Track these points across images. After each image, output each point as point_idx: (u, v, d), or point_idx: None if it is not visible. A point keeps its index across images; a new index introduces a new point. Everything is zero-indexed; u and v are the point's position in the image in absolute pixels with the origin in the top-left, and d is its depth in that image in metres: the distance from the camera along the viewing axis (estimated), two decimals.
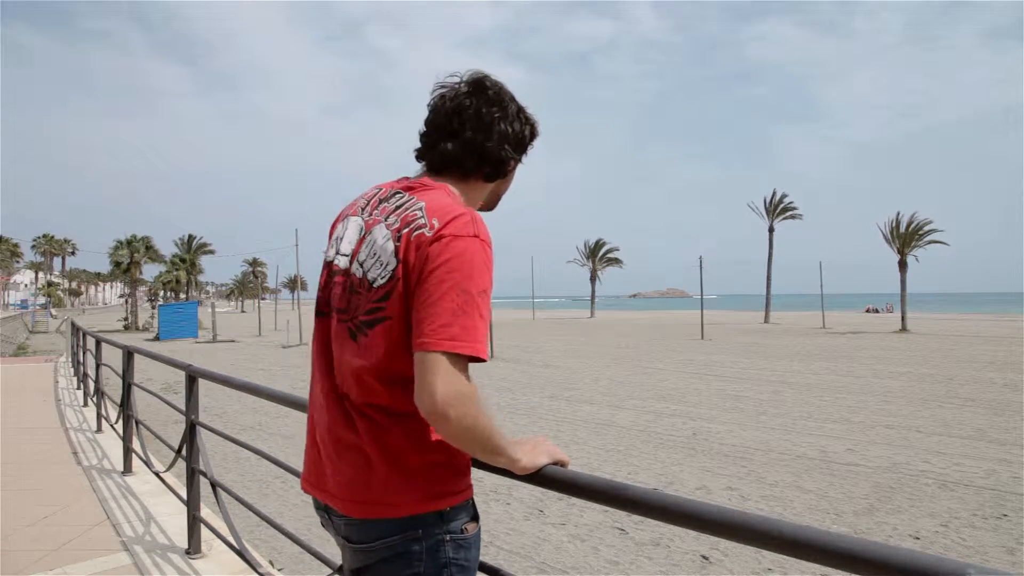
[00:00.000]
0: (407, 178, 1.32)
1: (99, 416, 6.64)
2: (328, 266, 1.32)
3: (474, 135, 1.28)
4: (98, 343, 6.75)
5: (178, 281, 48.47)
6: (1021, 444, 8.20)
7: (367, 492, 1.18)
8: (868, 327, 36.25)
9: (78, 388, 9.41)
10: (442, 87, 1.32)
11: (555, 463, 1.28)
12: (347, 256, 1.27)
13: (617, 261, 61.67)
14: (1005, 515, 5.68)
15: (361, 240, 1.25)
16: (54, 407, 8.18)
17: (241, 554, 2.86)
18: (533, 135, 1.39)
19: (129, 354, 5.09)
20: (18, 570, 3.18)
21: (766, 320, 44.74)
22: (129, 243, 42.87)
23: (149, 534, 3.71)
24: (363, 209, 1.30)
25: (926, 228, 33.95)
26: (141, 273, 45.08)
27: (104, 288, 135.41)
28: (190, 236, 52.34)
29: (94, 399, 7.08)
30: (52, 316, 56.46)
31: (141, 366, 5.79)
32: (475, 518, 1.25)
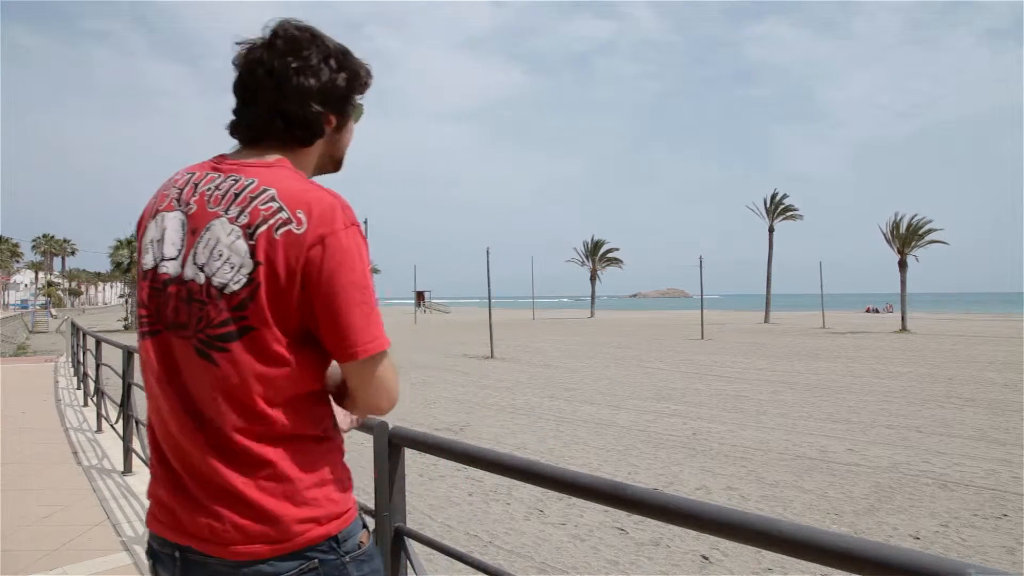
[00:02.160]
0: (223, 156, 1.14)
1: (99, 416, 6.64)
2: (151, 275, 1.09)
3: (269, 95, 1.10)
4: (98, 343, 6.75)
5: None
6: (1021, 444, 8.20)
7: (248, 528, 1.03)
8: (868, 327, 36.26)
9: (78, 388, 9.41)
10: (237, 44, 1.13)
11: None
12: (175, 260, 1.07)
13: (617, 261, 61.68)
14: (1005, 515, 5.68)
15: (191, 239, 1.06)
16: (54, 407, 8.18)
17: None
18: (354, 80, 1.18)
19: (129, 354, 5.09)
20: (18, 570, 3.18)
21: (766, 320, 44.74)
22: (129, 243, 42.80)
23: None
24: (178, 200, 1.10)
25: (926, 228, 33.96)
26: None
27: (104, 288, 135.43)
28: None
29: (94, 399, 7.08)
30: (52, 316, 56.48)
31: None
32: (365, 525, 1.19)
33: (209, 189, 1.08)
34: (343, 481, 1.14)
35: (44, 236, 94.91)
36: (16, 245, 78.43)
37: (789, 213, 45.86)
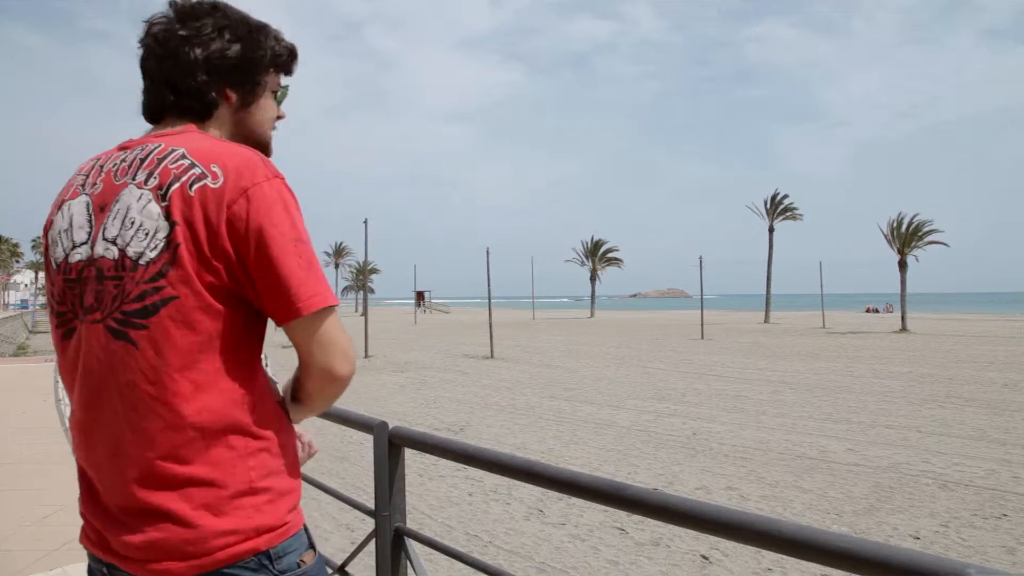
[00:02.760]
0: (130, 139, 1.07)
1: None
2: (63, 266, 1.01)
3: (158, 64, 1.03)
4: None
5: None
6: (1021, 444, 8.20)
7: (162, 543, 0.92)
8: (868, 327, 36.26)
9: None
10: (143, 21, 1.07)
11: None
12: (86, 244, 0.98)
13: (617, 261, 61.69)
14: (1005, 515, 5.68)
15: (100, 217, 0.98)
16: (54, 407, 8.18)
17: None
18: (251, 55, 1.08)
19: None
20: (18, 570, 3.18)
21: (766, 320, 44.74)
22: None
23: None
24: (84, 186, 1.03)
25: (926, 228, 33.99)
26: None
27: None
28: None
29: None
30: None
31: None
32: (311, 545, 1.04)
33: (115, 165, 1.01)
34: (281, 490, 0.99)
35: None
36: (16, 245, 78.45)
37: (789, 213, 45.88)
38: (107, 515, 0.99)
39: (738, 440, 8.56)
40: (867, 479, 6.77)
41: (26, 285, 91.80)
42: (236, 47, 1.06)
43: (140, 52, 1.06)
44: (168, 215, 0.92)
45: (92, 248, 0.97)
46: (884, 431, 9.03)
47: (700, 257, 34.72)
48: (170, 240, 0.91)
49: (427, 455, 1.51)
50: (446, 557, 1.62)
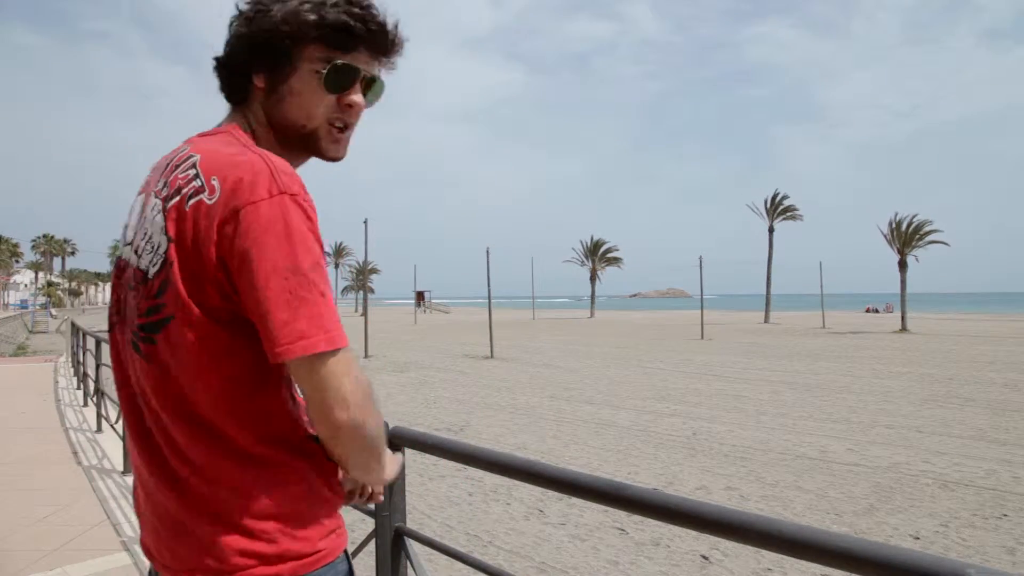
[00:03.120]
0: (201, 133, 1.02)
1: (99, 416, 6.64)
2: (118, 263, 1.00)
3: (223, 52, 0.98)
4: (98, 343, 6.75)
5: None
6: (1021, 444, 8.20)
7: (195, 557, 0.90)
8: (868, 327, 36.25)
9: (78, 388, 9.40)
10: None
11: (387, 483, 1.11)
12: (130, 245, 0.96)
13: (617, 261, 61.69)
14: (1005, 515, 5.68)
15: (139, 220, 0.96)
16: (54, 407, 8.18)
17: None
18: (284, 26, 0.92)
19: None
20: (18, 570, 3.18)
21: (766, 320, 44.74)
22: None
23: None
24: (148, 183, 0.99)
25: (926, 228, 33.99)
26: None
27: (104, 288, 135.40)
28: None
29: (94, 399, 7.07)
30: (52, 316, 56.46)
31: None
32: (349, 572, 0.99)
33: (167, 164, 0.96)
34: (309, 517, 0.92)
35: (44, 236, 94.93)
36: (16, 245, 78.46)
37: (789, 213, 45.88)
38: (148, 520, 0.98)
39: (738, 440, 8.56)
40: (867, 479, 6.76)
41: (26, 285, 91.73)
42: (267, 21, 0.92)
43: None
44: (166, 230, 0.87)
45: (130, 252, 0.95)
46: (884, 431, 9.03)
47: (700, 257, 34.73)
48: (166, 257, 0.86)
49: (427, 455, 1.51)
50: (446, 557, 1.62)
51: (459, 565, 1.54)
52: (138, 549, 3.46)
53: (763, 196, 49.96)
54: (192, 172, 0.88)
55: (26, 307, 66.13)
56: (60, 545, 3.50)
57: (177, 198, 0.87)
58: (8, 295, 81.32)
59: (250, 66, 0.96)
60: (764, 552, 4.57)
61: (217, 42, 1.01)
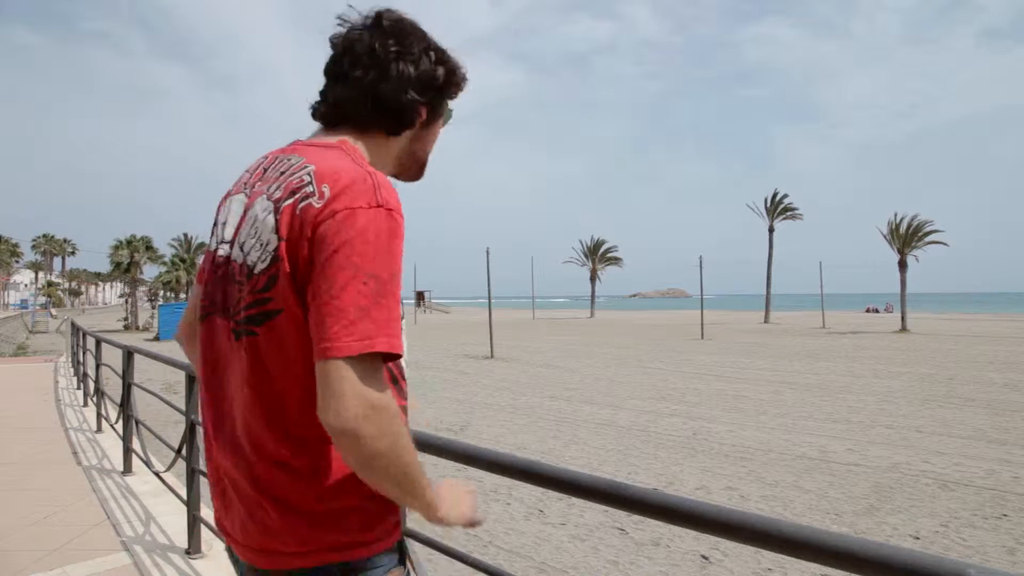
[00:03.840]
0: (299, 140, 1.11)
1: (99, 416, 6.64)
2: (211, 257, 1.09)
3: (364, 75, 1.05)
4: (98, 343, 6.75)
5: (178, 281, 48.43)
6: (1021, 444, 8.20)
7: (262, 537, 0.97)
8: (868, 327, 36.25)
9: (78, 388, 9.41)
10: (339, 23, 1.10)
11: (468, 524, 1.09)
12: (229, 242, 1.05)
13: (617, 261, 61.68)
14: (1005, 515, 5.68)
15: (243, 219, 1.03)
16: (54, 407, 8.18)
17: None
18: (451, 78, 1.13)
19: (129, 354, 5.09)
20: (18, 570, 3.18)
21: (766, 320, 44.73)
22: (129, 243, 42.88)
23: (149, 534, 3.71)
24: (247, 184, 1.08)
25: (926, 228, 33.97)
26: (141, 273, 45.11)
27: (104, 288, 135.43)
28: (186, 235, 52.37)
29: (94, 399, 7.08)
30: (52, 316, 56.49)
31: (141, 366, 5.79)
32: (401, 561, 1.05)
33: (271, 169, 1.05)
34: (366, 508, 0.99)
35: (44, 236, 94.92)
36: (16, 245, 78.44)
37: (789, 213, 45.86)
38: (221, 498, 1.05)
39: (738, 440, 8.56)
40: (867, 479, 6.76)
41: (26, 285, 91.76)
42: (441, 70, 1.11)
43: (334, 52, 1.09)
44: (277, 229, 0.94)
45: (231, 248, 1.03)
46: (884, 431, 9.03)
47: (700, 257, 34.73)
48: (276, 254, 0.93)
49: (427, 455, 1.51)
50: (446, 557, 1.62)
51: (459, 565, 1.54)
52: (138, 549, 3.46)
53: (763, 196, 49.96)
54: (307, 179, 0.95)
55: (26, 307, 66.15)
56: (60, 545, 3.50)
57: (290, 200, 0.95)
58: (8, 295, 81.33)
59: (427, 99, 1.11)
60: (764, 552, 4.57)
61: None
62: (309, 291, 0.90)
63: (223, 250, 1.05)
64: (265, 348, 0.95)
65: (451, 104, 1.18)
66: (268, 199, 0.99)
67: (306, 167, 0.98)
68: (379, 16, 1.08)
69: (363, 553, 0.98)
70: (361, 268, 0.88)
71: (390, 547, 1.02)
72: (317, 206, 0.91)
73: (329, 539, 0.96)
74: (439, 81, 1.11)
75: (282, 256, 0.93)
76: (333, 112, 1.09)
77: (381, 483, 0.93)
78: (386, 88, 1.06)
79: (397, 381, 1.06)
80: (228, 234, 1.06)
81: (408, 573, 1.07)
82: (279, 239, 0.93)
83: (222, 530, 1.07)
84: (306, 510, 0.96)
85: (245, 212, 1.03)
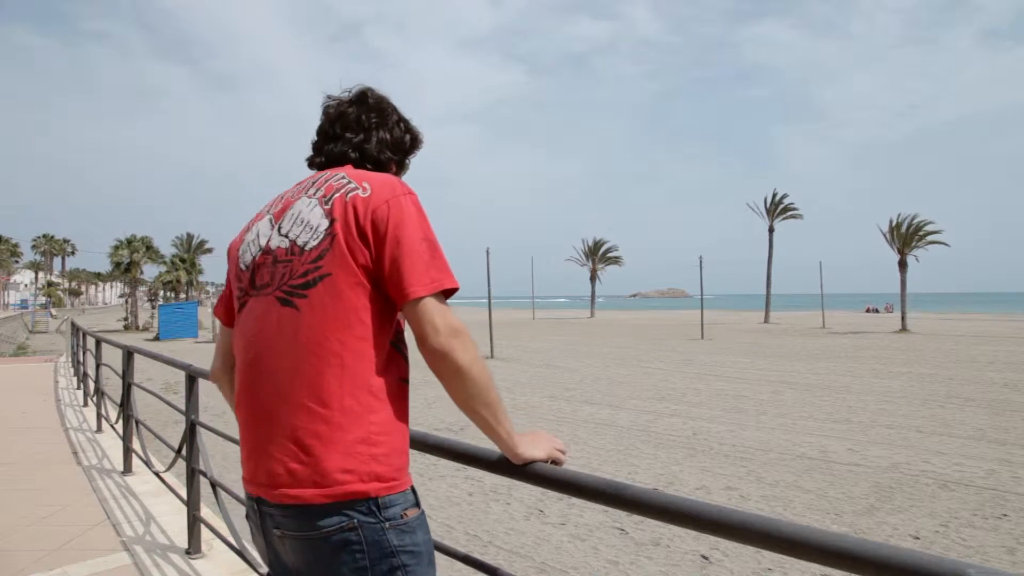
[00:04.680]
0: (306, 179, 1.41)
1: (99, 416, 6.64)
2: (249, 266, 1.32)
3: (354, 136, 1.40)
4: (98, 343, 6.75)
5: (178, 281, 48.45)
6: (1021, 444, 8.20)
7: (297, 472, 1.15)
8: (868, 327, 36.24)
9: (78, 388, 9.41)
10: (329, 98, 1.45)
11: (550, 460, 1.30)
12: (261, 248, 1.30)
13: (617, 260, 61.67)
14: (1005, 515, 5.68)
15: (277, 221, 1.31)
16: (54, 407, 8.18)
17: (241, 554, 2.86)
18: (414, 143, 1.51)
19: (129, 354, 5.09)
20: (18, 570, 3.18)
21: (766, 320, 44.72)
22: (129, 243, 42.86)
23: (149, 534, 3.71)
24: (268, 210, 1.38)
25: (926, 228, 33.96)
26: (141, 273, 45.09)
27: (104, 288, 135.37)
28: (189, 235, 52.38)
29: (94, 399, 7.08)
30: (52, 316, 56.48)
31: (141, 366, 5.79)
32: (416, 503, 1.23)
33: (293, 191, 1.36)
34: (394, 449, 1.19)
35: (44, 236, 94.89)
36: (16, 245, 78.38)
37: (789, 213, 45.84)
38: (259, 452, 1.21)
39: (738, 440, 8.56)
40: (867, 479, 6.76)
41: (26, 285, 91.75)
42: (408, 136, 1.49)
43: (327, 119, 1.44)
44: (329, 215, 1.21)
45: (269, 243, 1.29)
46: (884, 431, 9.03)
47: (700, 257, 34.71)
48: (329, 230, 1.20)
49: (427, 455, 1.51)
50: (446, 557, 1.62)
51: (459, 565, 1.54)
52: (138, 549, 3.46)
53: (763, 196, 49.90)
54: (345, 180, 1.27)
55: (26, 307, 66.15)
56: (60, 545, 3.50)
57: (338, 194, 1.24)
58: (8, 295, 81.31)
59: (394, 158, 1.47)
60: (764, 552, 4.57)
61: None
62: (385, 256, 1.18)
63: (257, 250, 1.31)
64: (317, 304, 1.19)
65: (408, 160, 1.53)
66: (310, 198, 1.27)
67: (337, 174, 1.29)
68: (363, 94, 1.44)
69: (382, 491, 1.16)
70: (417, 236, 1.20)
71: (405, 489, 1.20)
72: (364, 196, 1.22)
73: (353, 475, 1.14)
74: (406, 145, 1.48)
75: (336, 231, 1.20)
76: (327, 161, 1.41)
77: (473, 401, 1.20)
78: (369, 148, 1.41)
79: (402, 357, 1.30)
80: (263, 241, 1.31)
81: (421, 514, 1.23)
82: (332, 220, 1.21)
83: (249, 485, 1.24)
84: (335, 446, 1.14)
85: (281, 216, 1.30)
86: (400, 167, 1.50)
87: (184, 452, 3.50)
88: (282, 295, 1.22)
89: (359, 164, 1.39)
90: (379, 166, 1.41)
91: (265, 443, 1.20)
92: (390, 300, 1.22)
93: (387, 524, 1.15)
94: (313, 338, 1.18)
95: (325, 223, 1.21)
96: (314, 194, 1.27)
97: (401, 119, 1.48)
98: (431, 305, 1.17)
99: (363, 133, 1.41)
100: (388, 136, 1.44)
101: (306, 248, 1.22)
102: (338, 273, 1.18)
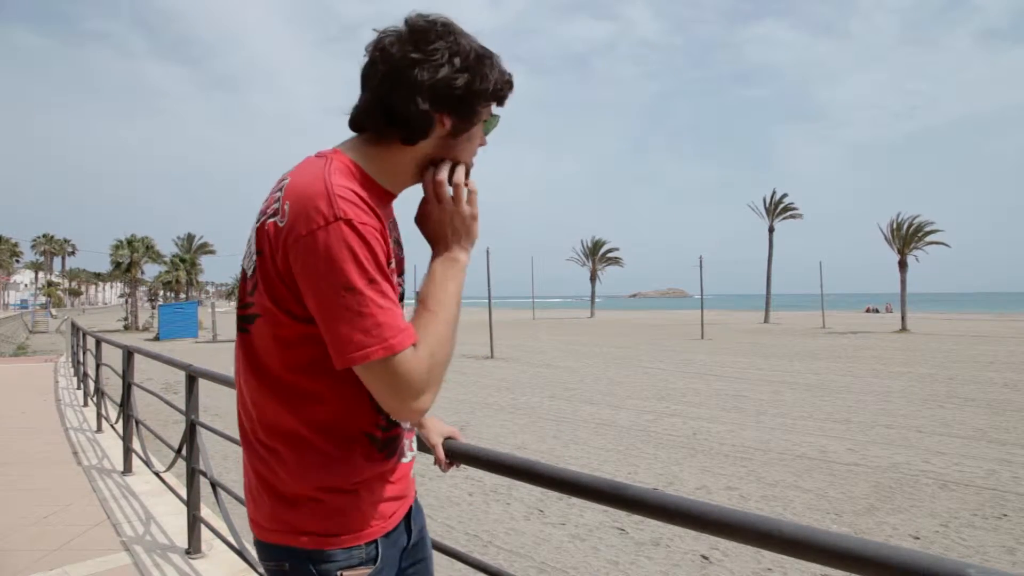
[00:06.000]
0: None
1: (99, 416, 6.64)
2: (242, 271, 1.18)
3: (381, 83, 1.02)
4: (98, 343, 6.75)
5: (178, 281, 48.45)
6: (1021, 444, 8.20)
7: (255, 512, 1.11)
8: (868, 327, 36.24)
9: (78, 388, 9.41)
10: (375, 30, 1.07)
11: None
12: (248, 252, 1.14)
13: (617, 260, 61.67)
14: (1005, 515, 5.68)
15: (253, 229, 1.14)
16: (54, 407, 8.18)
17: (241, 554, 2.86)
18: (476, 85, 1.04)
19: (129, 354, 5.09)
20: (18, 570, 3.18)
21: (766, 320, 44.72)
22: (129, 243, 42.86)
23: (149, 534, 3.71)
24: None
25: (926, 228, 33.95)
26: (141, 273, 45.09)
27: (104, 288, 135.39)
28: (190, 235, 52.41)
29: (94, 399, 7.08)
30: (52, 316, 56.48)
31: (141, 366, 5.79)
32: (365, 563, 1.08)
33: (277, 184, 1.11)
34: (336, 504, 1.06)
35: (44, 236, 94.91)
36: (16, 245, 78.40)
37: (789, 213, 45.84)
38: (245, 478, 1.17)
39: (738, 440, 8.56)
40: (867, 479, 6.76)
41: (26, 285, 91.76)
42: (463, 76, 1.03)
43: (364, 60, 1.05)
44: (258, 243, 1.02)
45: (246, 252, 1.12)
46: (884, 431, 9.03)
47: (700, 257, 34.72)
48: (255, 264, 1.03)
49: (427, 455, 1.51)
50: (446, 557, 1.62)
51: (459, 565, 1.54)
52: (138, 549, 3.46)
53: (763, 196, 49.88)
54: (279, 195, 1.01)
55: (26, 307, 66.15)
56: (60, 545, 3.50)
57: (264, 217, 1.02)
58: (8, 295, 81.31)
59: (446, 109, 1.04)
60: (764, 552, 4.57)
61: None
62: (312, 312, 0.98)
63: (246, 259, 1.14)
64: (254, 344, 1.06)
65: (498, 110, 1.12)
66: (260, 213, 1.05)
67: (284, 182, 1.03)
68: (405, 23, 1.03)
69: (320, 544, 1.05)
70: (333, 287, 0.93)
71: (353, 545, 1.07)
72: (281, 225, 0.97)
73: (292, 523, 1.05)
74: (458, 89, 1.03)
75: (258, 267, 1.02)
76: (355, 119, 1.08)
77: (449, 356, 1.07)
78: (396, 97, 1.01)
79: None
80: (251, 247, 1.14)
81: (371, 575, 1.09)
82: (257, 252, 1.02)
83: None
84: (276, 492, 1.06)
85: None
86: (461, 122, 1.07)
87: (184, 452, 3.50)
88: (239, 322, 1.10)
89: (385, 122, 1.04)
90: (410, 124, 1.03)
91: (245, 472, 1.17)
92: None
93: None
94: (252, 378, 1.08)
95: (254, 254, 1.03)
96: (264, 209, 1.04)
97: (458, 52, 1.03)
98: (371, 375, 0.96)
99: (392, 77, 1.01)
100: (426, 76, 1.00)
101: (247, 276, 1.06)
102: (266, 315, 1.02)
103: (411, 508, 1.23)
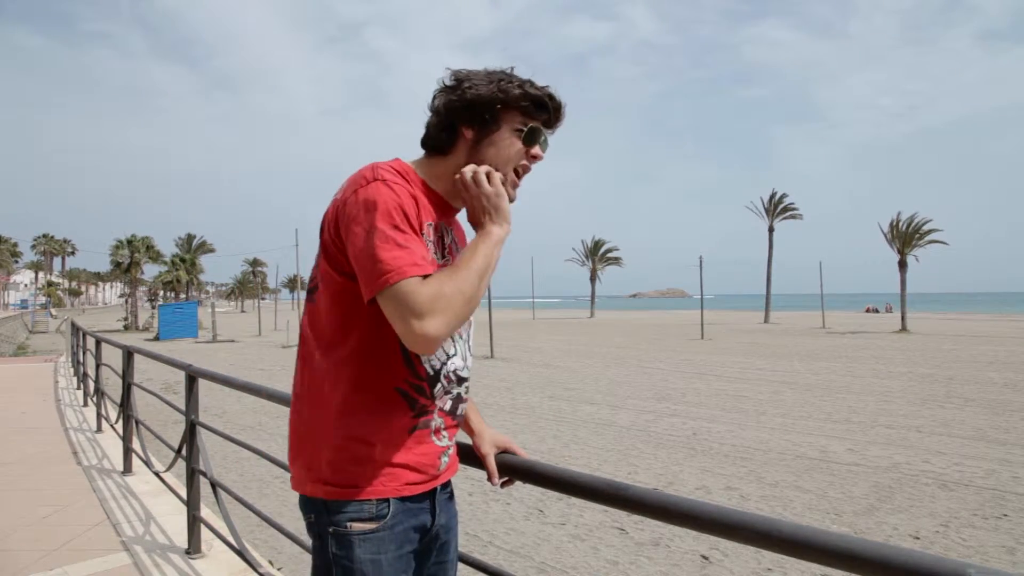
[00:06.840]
0: None
1: (99, 416, 6.64)
2: None
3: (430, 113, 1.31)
4: (98, 343, 6.75)
5: (178, 281, 48.45)
6: (1021, 444, 8.20)
7: (292, 464, 1.26)
8: (868, 327, 36.24)
9: (78, 388, 9.41)
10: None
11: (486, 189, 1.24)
12: None
13: (617, 260, 61.67)
14: (1005, 515, 5.68)
15: None
16: (54, 407, 8.18)
17: (241, 554, 2.86)
18: (484, 95, 1.22)
19: (129, 354, 5.09)
20: (18, 570, 3.18)
21: (766, 320, 44.73)
22: (129, 243, 42.86)
23: (149, 534, 3.71)
24: None
25: (926, 228, 33.96)
26: (141, 273, 45.10)
27: (104, 288, 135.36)
28: (190, 235, 52.45)
29: (94, 399, 7.08)
30: (52, 316, 56.46)
31: (141, 366, 5.80)
32: (374, 518, 1.17)
33: None
34: (356, 455, 1.18)
35: (44, 236, 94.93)
36: (16, 245, 78.39)
37: (789, 213, 45.85)
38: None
39: (738, 440, 8.56)
40: (867, 479, 6.76)
41: (26, 285, 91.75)
42: (472, 91, 1.23)
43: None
44: (321, 227, 1.22)
45: None
46: (884, 431, 9.03)
47: (700, 257, 34.74)
48: (319, 245, 1.22)
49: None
50: None
51: (459, 565, 1.54)
52: (138, 549, 3.46)
53: (762, 196, 49.87)
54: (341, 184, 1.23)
55: (26, 307, 66.16)
56: (60, 545, 3.50)
57: (330, 204, 1.22)
58: (8, 295, 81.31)
59: (462, 121, 1.25)
60: (764, 552, 4.57)
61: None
62: (349, 255, 1.14)
63: None
64: (311, 312, 1.25)
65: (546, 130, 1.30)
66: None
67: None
68: (453, 74, 1.27)
69: (336, 495, 1.17)
70: (366, 228, 1.10)
71: (364, 499, 1.17)
72: (337, 197, 1.19)
73: (318, 471, 1.19)
74: (463, 100, 1.23)
75: (320, 244, 1.22)
76: (421, 143, 1.32)
77: (477, 299, 1.15)
78: (428, 120, 1.28)
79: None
80: None
81: (378, 531, 1.17)
82: (320, 232, 1.22)
83: None
84: (312, 440, 1.21)
85: None
86: (479, 131, 1.25)
87: (184, 452, 3.50)
88: (308, 290, 1.29)
89: (424, 143, 1.30)
90: (431, 137, 1.28)
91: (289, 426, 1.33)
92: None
93: (331, 529, 1.18)
94: (310, 339, 1.25)
95: (319, 235, 1.24)
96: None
97: (476, 81, 1.24)
98: (387, 301, 1.08)
99: (432, 111, 1.28)
100: (442, 99, 1.25)
101: (318, 252, 1.25)
102: (325, 284, 1.21)
103: (437, 498, 1.30)
